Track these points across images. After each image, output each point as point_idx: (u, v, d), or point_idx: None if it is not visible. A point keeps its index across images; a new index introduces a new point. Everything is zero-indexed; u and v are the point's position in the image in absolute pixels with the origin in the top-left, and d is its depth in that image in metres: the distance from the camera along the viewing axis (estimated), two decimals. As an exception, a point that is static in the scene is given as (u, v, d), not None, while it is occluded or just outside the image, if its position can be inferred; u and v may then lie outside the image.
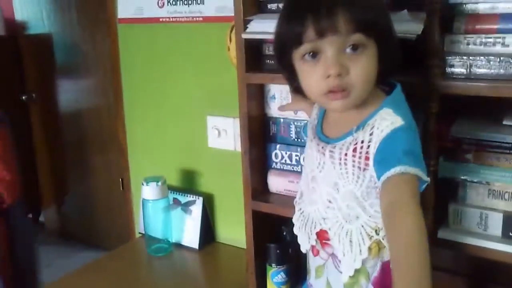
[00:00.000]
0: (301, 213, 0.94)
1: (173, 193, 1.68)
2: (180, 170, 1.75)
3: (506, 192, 0.94)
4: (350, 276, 0.86)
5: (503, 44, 0.91)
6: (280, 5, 1.13)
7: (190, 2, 1.59)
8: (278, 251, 1.25)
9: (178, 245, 1.67)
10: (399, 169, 0.75)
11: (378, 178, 0.78)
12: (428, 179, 0.78)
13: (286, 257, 1.27)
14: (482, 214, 0.97)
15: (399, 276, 0.71)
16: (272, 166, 1.24)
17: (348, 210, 0.83)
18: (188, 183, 1.73)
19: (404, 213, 0.73)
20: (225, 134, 1.58)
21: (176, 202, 1.67)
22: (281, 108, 1.16)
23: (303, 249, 0.95)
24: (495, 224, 0.96)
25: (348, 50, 0.77)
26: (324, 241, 0.89)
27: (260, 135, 1.24)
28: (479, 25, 0.92)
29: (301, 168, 1.20)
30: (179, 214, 1.67)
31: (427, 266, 0.70)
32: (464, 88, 0.90)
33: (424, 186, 0.79)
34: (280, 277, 1.27)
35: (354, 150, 0.81)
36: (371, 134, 0.79)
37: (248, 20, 1.12)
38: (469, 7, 0.92)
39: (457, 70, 0.93)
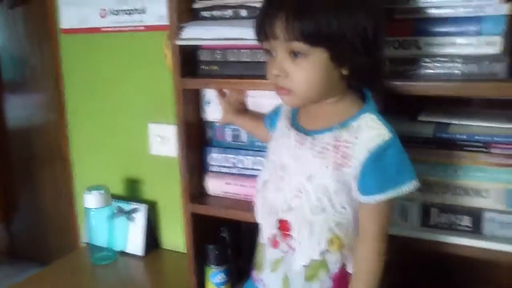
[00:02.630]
0: (265, 201, 0.95)
1: (117, 201, 1.68)
2: (123, 178, 1.75)
3: (423, 184, 1.00)
4: (304, 266, 0.89)
5: (416, 47, 0.98)
6: (213, 13, 1.17)
7: (132, 11, 1.61)
8: (216, 252, 1.27)
9: (123, 253, 1.67)
10: (386, 196, 0.83)
11: (363, 192, 0.84)
12: (418, 184, 0.85)
13: (225, 258, 1.29)
14: (402, 205, 1.03)
15: None
16: (209, 169, 1.27)
17: (317, 202, 0.85)
18: (131, 191, 1.74)
19: (371, 250, 0.86)
20: (167, 141, 1.60)
21: (120, 210, 1.67)
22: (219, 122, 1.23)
23: (265, 238, 0.95)
24: (414, 214, 1.02)
25: (291, 55, 0.81)
26: (285, 232, 0.90)
27: (197, 139, 1.27)
28: (396, 29, 0.97)
29: (238, 171, 1.24)
30: (123, 222, 1.67)
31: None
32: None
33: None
34: (220, 277, 1.28)
35: (336, 147, 0.84)
36: (356, 138, 0.83)
37: (182, 27, 1.16)
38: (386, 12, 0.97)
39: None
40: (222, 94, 1.19)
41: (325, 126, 0.86)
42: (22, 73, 2.50)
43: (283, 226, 0.90)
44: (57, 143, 2.11)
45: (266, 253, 0.96)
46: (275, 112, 1.03)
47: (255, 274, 1.00)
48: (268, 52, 0.85)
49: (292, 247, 0.90)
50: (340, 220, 0.86)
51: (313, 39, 0.78)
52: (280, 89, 0.85)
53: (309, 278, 0.90)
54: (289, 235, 0.90)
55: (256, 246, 1.01)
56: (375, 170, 0.82)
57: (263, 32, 0.82)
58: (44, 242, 2.66)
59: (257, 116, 1.14)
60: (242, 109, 1.19)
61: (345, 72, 0.83)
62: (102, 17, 1.67)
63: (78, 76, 1.78)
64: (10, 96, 2.60)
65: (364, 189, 0.84)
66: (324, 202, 0.85)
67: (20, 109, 2.56)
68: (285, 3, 0.79)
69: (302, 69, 0.81)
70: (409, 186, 0.83)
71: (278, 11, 0.79)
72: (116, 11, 1.64)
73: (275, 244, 0.93)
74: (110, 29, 1.66)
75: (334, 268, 0.89)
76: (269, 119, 1.05)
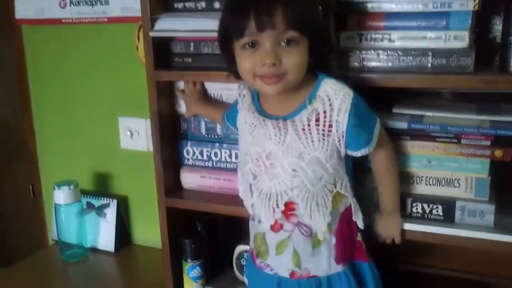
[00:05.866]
0: (260, 192, 0.97)
1: (87, 197, 1.65)
2: (93, 173, 1.72)
3: (400, 175, 1.03)
4: (324, 231, 0.95)
5: (389, 40, 1.00)
6: (186, 4, 1.16)
7: (94, 2, 1.57)
8: (193, 246, 1.27)
9: (94, 250, 1.64)
10: (376, 133, 0.94)
11: (356, 148, 0.93)
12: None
13: (201, 252, 1.29)
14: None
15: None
16: (184, 163, 1.27)
17: (313, 174, 0.92)
18: (101, 186, 1.71)
19: (387, 154, 0.99)
20: (138, 135, 1.58)
21: (90, 206, 1.65)
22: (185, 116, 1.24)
23: (266, 226, 0.98)
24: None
25: (283, 43, 0.86)
26: (289, 212, 0.95)
27: (172, 132, 1.25)
28: (369, 23, 1.01)
29: (212, 163, 1.23)
30: (93, 218, 1.64)
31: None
32: (357, 79, 0.98)
33: None
34: (196, 271, 1.28)
35: (317, 120, 0.91)
36: (330, 105, 0.90)
37: (155, 18, 1.14)
38: (359, 6, 1.00)
39: (351, 63, 1.01)
40: (181, 90, 1.23)
41: (295, 107, 0.93)
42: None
43: (288, 208, 0.95)
44: (19, 139, 2.04)
45: (269, 239, 0.99)
46: (233, 109, 1.06)
47: (258, 261, 1.02)
48: (250, 45, 0.87)
49: (297, 223, 0.95)
50: (335, 178, 0.94)
51: (305, 27, 0.87)
52: (269, 78, 0.88)
53: (317, 243, 0.96)
54: (293, 214, 0.95)
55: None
56: (358, 126, 0.91)
57: (259, 23, 0.84)
58: (5, 242, 2.57)
59: (221, 106, 1.18)
60: (204, 99, 1.21)
61: (310, 60, 0.91)
62: (62, 7, 1.63)
63: (41, 68, 1.73)
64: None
65: (356, 145, 0.93)
66: (319, 172, 0.92)
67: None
68: None
69: (293, 56, 0.87)
70: (379, 122, 0.95)
71: (273, 3, 0.84)
72: (77, 2, 1.60)
73: (278, 227, 0.97)
74: (71, 20, 1.62)
75: (334, 223, 0.96)
76: (227, 117, 1.10)
